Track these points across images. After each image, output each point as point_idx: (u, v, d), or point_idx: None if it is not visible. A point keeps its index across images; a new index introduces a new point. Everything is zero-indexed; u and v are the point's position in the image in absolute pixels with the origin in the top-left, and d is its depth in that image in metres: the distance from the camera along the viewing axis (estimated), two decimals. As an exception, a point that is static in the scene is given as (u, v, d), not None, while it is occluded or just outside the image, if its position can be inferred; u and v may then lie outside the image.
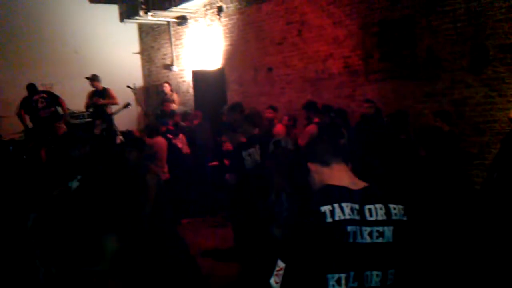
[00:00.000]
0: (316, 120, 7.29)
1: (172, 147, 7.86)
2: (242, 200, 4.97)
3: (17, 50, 11.15)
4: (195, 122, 9.08)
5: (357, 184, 2.11)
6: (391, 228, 2.01)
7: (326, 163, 2.19)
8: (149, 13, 11.75)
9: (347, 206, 1.99)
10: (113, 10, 12.89)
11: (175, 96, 11.56)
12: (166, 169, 7.27)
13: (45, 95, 9.27)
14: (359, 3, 8.29)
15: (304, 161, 2.28)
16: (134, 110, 13.05)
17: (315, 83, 9.18)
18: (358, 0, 8.31)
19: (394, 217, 2.03)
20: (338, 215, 1.96)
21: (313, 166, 2.23)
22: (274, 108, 8.17)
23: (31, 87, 9.29)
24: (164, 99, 10.64)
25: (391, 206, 2.05)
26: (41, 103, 9.14)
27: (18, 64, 11.03)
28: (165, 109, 10.02)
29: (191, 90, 12.10)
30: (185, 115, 9.48)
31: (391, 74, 7.96)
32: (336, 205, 1.98)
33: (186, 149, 8.29)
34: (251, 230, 4.51)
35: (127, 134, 9.93)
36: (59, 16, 11.88)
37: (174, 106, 10.58)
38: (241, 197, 5.04)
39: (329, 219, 1.95)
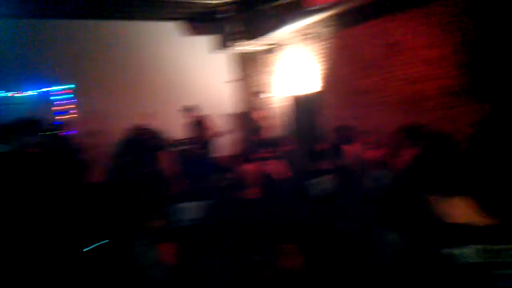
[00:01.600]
0: (414, 145, 6.97)
1: (264, 173, 7.86)
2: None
3: (119, 82, 11.84)
4: (287, 148, 9.05)
5: (485, 220, 1.84)
6: None
7: (445, 194, 1.92)
8: (241, 43, 12.05)
9: (479, 247, 1.74)
10: (206, 41, 13.35)
11: (268, 122, 11.66)
12: (260, 195, 7.25)
13: (151, 128, 9.67)
14: (455, 22, 7.92)
15: (416, 190, 2.03)
16: (227, 136, 13.39)
17: (410, 107, 8.84)
18: (454, 20, 7.95)
19: None
20: (472, 257, 1.72)
21: (431, 198, 1.97)
22: (363, 133, 7.96)
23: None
24: (258, 127, 10.75)
25: None
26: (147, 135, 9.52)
27: (122, 94, 11.73)
28: (258, 137, 10.13)
29: (285, 116, 12.14)
30: (278, 141, 9.48)
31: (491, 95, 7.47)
32: (469, 246, 1.74)
33: (281, 175, 8.26)
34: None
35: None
36: (156, 50, 12.52)
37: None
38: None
39: (462, 262, 1.72)
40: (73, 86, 11.32)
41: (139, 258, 3.56)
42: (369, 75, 9.65)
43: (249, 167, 7.58)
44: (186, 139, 10.42)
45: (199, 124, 10.06)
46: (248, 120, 12.96)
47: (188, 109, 9.97)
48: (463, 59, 7.84)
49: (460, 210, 1.87)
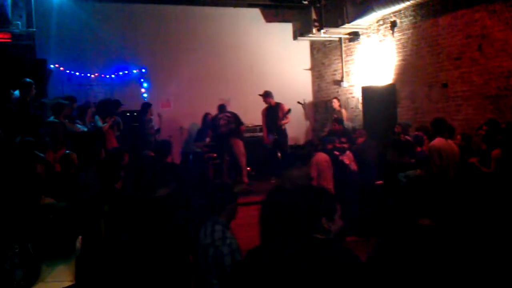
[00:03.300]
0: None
1: (338, 163, 7.88)
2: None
3: (199, 67, 12.14)
4: (360, 140, 8.98)
5: None
6: None
7: None
8: (322, 30, 12.02)
9: None
10: (287, 28, 13.39)
11: (343, 112, 11.59)
12: (331, 185, 7.30)
13: (229, 115, 9.70)
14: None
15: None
16: (303, 124, 13.43)
17: (496, 101, 8.49)
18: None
19: None
20: None
21: None
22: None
23: (221, 107, 9.94)
24: (336, 119, 10.69)
25: None
26: (223, 121, 9.62)
27: (200, 80, 12.06)
28: (334, 128, 10.11)
29: (360, 106, 12.01)
30: (351, 132, 9.46)
31: None
32: None
33: (353, 166, 8.25)
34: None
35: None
36: (237, 35, 12.68)
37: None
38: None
39: None
40: (145, 70, 11.70)
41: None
42: (454, 68, 9.33)
43: (324, 157, 7.66)
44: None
45: (276, 110, 10.16)
46: (326, 109, 12.94)
47: (267, 95, 10.09)
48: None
49: None
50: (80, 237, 1.91)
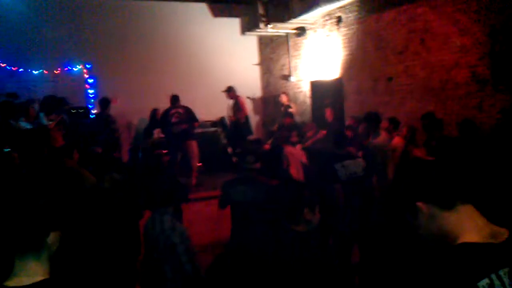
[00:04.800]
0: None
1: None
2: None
3: (146, 62, 11.95)
4: (309, 134, 9.10)
5: (500, 234, 1.49)
6: None
7: (448, 205, 1.55)
8: (269, 26, 12.07)
9: (505, 273, 1.41)
10: (235, 23, 13.38)
11: (292, 106, 11.70)
12: (302, 177, 7.34)
13: (181, 111, 9.49)
14: (488, 9, 7.80)
15: (409, 198, 1.62)
16: (253, 119, 13.45)
17: (438, 93, 8.78)
18: (486, 6, 7.82)
19: None
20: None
21: (424, 207, 1.58)
22: (393, 121, 7.92)
23: (173, 99, 9.61)
24: (286, 113, 10.78)
25: None
26: (175, 118, 9.42)
27: (147, 75, 11.86)
28: (284, 122, 10.19)
29: (308, 100, 12.15)
30: (301, 126, 9.56)
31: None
32: (494, 277, 1.39)
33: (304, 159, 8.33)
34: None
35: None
36: (184, 30, 12.56)
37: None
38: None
39: None
40: (90, 65, 11.43)
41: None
42: (398, 62, 9.57)
43: (292, 149, 7.72)
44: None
45: (237, 104, 10.14)
46: (275, 104, 13.01)
47: (230, 90, 10.06)
48: (497, 47, 7.73)
49: (468, 224, 1.52)
50: (53, 233, 1.92)
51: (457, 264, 1.42)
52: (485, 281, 1.37)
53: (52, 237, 1.92)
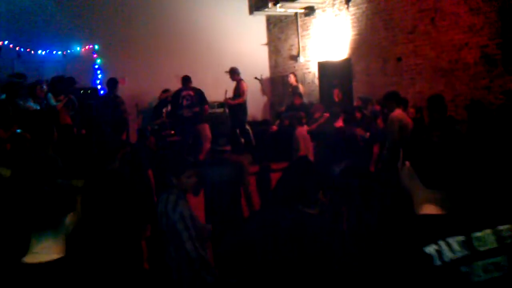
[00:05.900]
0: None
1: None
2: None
3: (154, 43, 11.89)
4: (316, 115, 9.06)
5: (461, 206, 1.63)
6: (505, 257, 1.57)
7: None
8: (278, 5, 11.95)
9: (454, 241, 1.52)
10: (243, 3, 13.25)
11: (300, 87, 11.64)
12: (312, 159, 7.35)
13: (192, 93, 9.33)
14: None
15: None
16: (261, 100, 13.41)
17: (448, 74, 8.70)
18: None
19: (507, 242, 1.58)
20: (447, 255, 1.50)
21: (408, 164, 1.73)
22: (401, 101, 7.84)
23: (184, 80, 9.41)
24: (295, 93, 10.73)
25: (500, 228, 1.59)
26: (186, 101, 9.29)
27: (155, 56, 11.82)
28: (295, 102, 10.17)
29: (316, 81, 12.09)
30: (309, 107, 9.53)
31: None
32: (441, 242, 1.51)
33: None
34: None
35: None
36: (192, 10, 12.44)
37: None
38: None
39: (437, 262, 1.49)
40: (98, 46, 11.41)
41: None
42: (408, 41, 9.48)
43: (303, 131, 7.74)
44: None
45: (237, 88, 10.08)
46: (283, 84, 12.95)
47: (233, 72, 10.00)
48: (508, 27, 7.62)
49: (433, 200, 1.63)
50: (71, 214, 1.98)
51: (409, 232, 1.56)
52: (433, 247, 1.48)
53: (70, 218, 1.98)
